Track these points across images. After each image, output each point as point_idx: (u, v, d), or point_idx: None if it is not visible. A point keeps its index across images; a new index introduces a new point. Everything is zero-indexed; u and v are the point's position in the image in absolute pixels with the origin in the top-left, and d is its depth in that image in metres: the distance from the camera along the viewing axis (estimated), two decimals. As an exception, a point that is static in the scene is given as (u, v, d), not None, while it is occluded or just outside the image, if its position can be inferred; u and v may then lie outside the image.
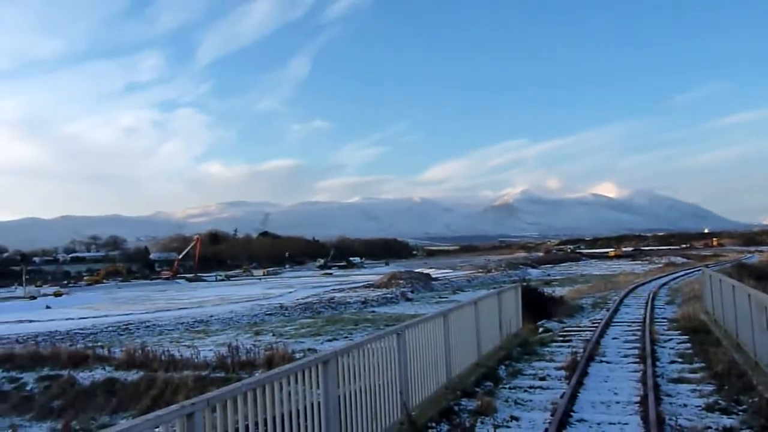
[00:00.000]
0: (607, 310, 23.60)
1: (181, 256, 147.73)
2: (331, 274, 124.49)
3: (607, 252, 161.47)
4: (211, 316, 45.19)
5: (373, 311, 46.01)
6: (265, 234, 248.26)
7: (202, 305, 58.93)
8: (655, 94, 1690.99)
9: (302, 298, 58.87)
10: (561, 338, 16.50)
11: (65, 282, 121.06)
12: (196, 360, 21.28)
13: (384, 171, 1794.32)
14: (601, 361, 12.77)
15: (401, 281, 70.24)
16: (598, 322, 19.25)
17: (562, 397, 9.40)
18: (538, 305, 26.24)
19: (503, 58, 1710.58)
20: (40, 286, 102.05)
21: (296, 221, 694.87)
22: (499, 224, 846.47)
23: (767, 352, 9.63)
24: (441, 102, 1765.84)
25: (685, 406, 8.94)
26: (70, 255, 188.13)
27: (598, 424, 8.22)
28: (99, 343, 29.80)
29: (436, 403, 8.89)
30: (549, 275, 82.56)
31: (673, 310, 23.86)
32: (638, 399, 9.35)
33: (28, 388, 20.97)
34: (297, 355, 19.71)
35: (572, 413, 8.73)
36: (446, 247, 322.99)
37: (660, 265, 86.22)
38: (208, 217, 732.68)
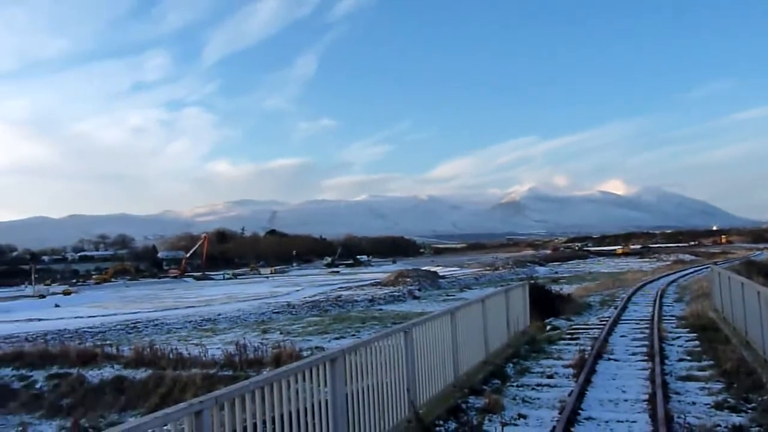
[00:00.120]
0: (615, 308, 23.52)
1: (188, 255, 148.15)
2: (338, 272, 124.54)
3: (615, 249, 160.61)
4: (219, 315, 45.31)
5: (381, 309, 46.00)
6: (272, 232, 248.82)
7: (210, 304, 59.10)
8: (663, 91, 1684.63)
9: (309, 297, 58.94)
10: (569, 336, 16.46)
11: (74, 281, 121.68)
12: (204, 358, 21.37)
13: (391, 169, 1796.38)
14: (609, 359, 12.73)
15: (408, 279, 70.18)
16: (606, 320, 19.20)
17: (570, 395, 9.38)
18: (545, 303, 26.14)
19: (510, 56, 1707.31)
20: (49, 284, 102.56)
21: (303, 219, 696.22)
22: (507, 222, 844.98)
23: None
24: (448, 100, 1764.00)
25: (694, 404, 8.90)
26: (79, 254, 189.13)
27: (607, 422, 8.19)
28: (107, 342, 29.96)
29: (444, 400, 8.89)
30: (557, 273, 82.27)
31: (681, 307, 23.75)
32: (646, 397, 9.32)
33: (37, 386, 21.12)
34: (304, 353, 19.73)
35: (580, 411, 8.71)
36: (453, 245, 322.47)
37: (668, 263, 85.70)
38: (215, 216, 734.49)
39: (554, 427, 7.84)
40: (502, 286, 24.24)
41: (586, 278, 64.80)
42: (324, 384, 5.83)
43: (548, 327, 19.58)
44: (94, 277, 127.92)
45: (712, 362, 11.71)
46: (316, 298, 56.77)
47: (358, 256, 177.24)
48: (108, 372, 21.06)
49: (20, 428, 18.02)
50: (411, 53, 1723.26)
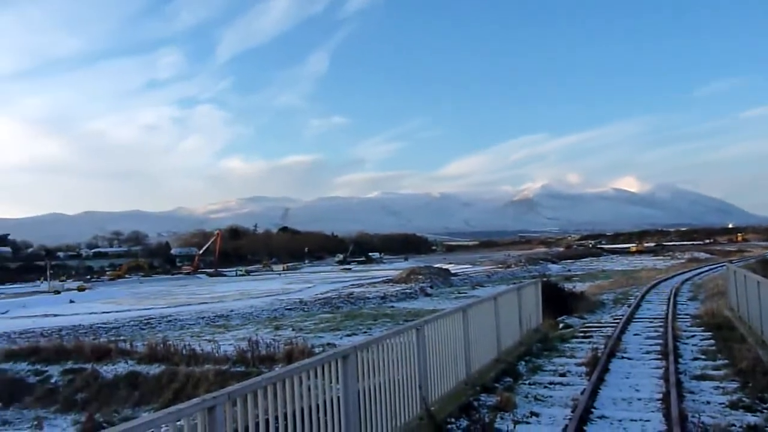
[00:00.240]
0: (629, 306, 23.39)
1: (201, 252, 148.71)
2: (350, 269, 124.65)
3: (629, 247, 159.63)
4: (232, 311, 45.50)
5: (392, 306, 46.01)
6: (284, 229, 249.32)
7: (223, 300, 59.32)
8: (677, 87, 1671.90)
9: (321, 293, 59.01)
10: (581, 334, 16.39)
11: (88, 277, 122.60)
12: (216, 354, 21.48)
13: (403, 166, 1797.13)
14: (623, 358, 12.65)
15: (420, 276, 70.14)
16: (620, 318, 19.10)
17: (582, 393, 9.33)
18: (558, 301, 26.05)
19: (523, 53, 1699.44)
20: (64, 280, 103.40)
21: (315, 216, 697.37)
22: (519, 219, 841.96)
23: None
24: (460, 97, 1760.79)
25: (708, 403, 8.83)
26: (93, 250, 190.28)
27: (620, 420, 8.14)
28: (121, 337, 30.19)
29: (456, 398, 8.87)
30: (569, 271, 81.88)
31: (696, 306, 23.59)
32: (660, 396, 9.25)
33: (52, 381, 21.31)
34: (316, 350, 19.78)
35: (593, 409, 8.66)
36: (465, 243, 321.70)
37: (683, 261, 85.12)
38: (228, 213, 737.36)
39: (567, 425, 7.81)
40: (514, 283, 24.17)
41: (599, 276, 64.43)
42: (336, 381, 5.83)
43: (561, 325, 19.52)
44: (108, 273, 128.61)
45: (727, 361, 11.61)
46: (328, 295, 56.86)
47: (370, 254, 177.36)
48: (122, 367, 21.22)
49: (36, 422, 18.20)
50: (422, 50, 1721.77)
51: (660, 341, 14.42)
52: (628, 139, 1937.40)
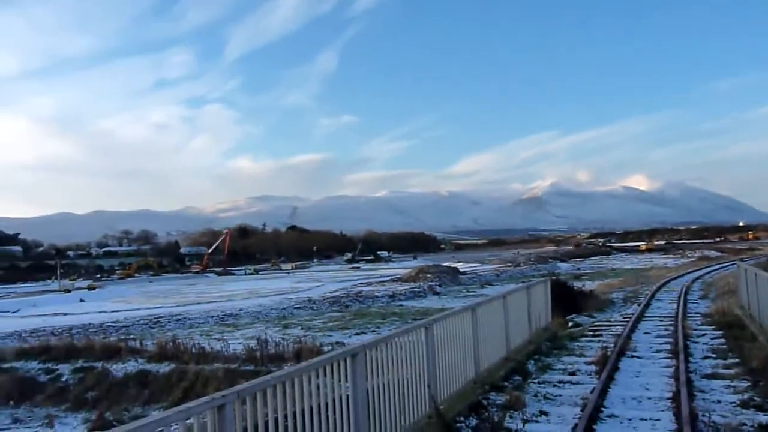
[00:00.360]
0: (639, 305, 23.29)
1: (210, 251, 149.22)
2: (358, 268, 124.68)
3: (639, 245, 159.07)
4: (241, 310, 45.65)
5: (401, 305, 46.04)
6: (293, 228, 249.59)
7: (232, 299, 59.50)
8: (687, 85, 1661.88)
9: (330, 292, 59.09)
10: (591, 333, 16.32)
11: (98, 276, 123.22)
12: (226, 353, 21.54)
13: (411, 165, 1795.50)
14: (633, 356, 12.59)
15: (429, 275, 70.09)
16: (629, 317, 19.01)
17: (592, 392, 9.29)
18: (567, 299, 25.98)
19: (531, 51, 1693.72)
20: (75, 279, 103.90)
21: (324, 215, 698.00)
22: (528, 218, 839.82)
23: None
24: (469, 95, 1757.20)
25: (719, 402, 8.78)
26: (103, 249, 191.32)
27: (630, 419, 8.11)
28: (131, 336, 30.33)
29: (465, 397, 8.86)
30: (579, 269, 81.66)
31: (706, 304, 23.46)
32: (670, 395, 9.20)
33: (63, 379, 21.44)
34: (325, 349, 19.80)
35: (603, 408, 8.63)
36: (474, 241, 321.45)
37: (693, 259, 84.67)
38: (237, 212, 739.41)
39: (576, 424, 7.78)
40: (523, 282, 24.12)
41: (608, 274, 64.19)
42: (345, 379, 5.84)
43: (570, 324, 19.46)
44: (117, 272, 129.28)
45: (737, 360, 11.54)
46: (337, 293, 56.94)
47: (379, 252, 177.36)
48: (132, 366, 21.32)
49: (47, 420, 18.33)
50: (431, 48, 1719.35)
51: (670, 340, 14.34)
52: (637, 137, 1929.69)
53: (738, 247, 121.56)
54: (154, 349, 22.53)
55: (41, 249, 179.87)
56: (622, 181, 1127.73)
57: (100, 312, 51.80)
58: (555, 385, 10.20)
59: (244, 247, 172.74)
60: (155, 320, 41.79)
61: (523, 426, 7.87)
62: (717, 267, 50.73)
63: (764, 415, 7.99)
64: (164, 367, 20.70)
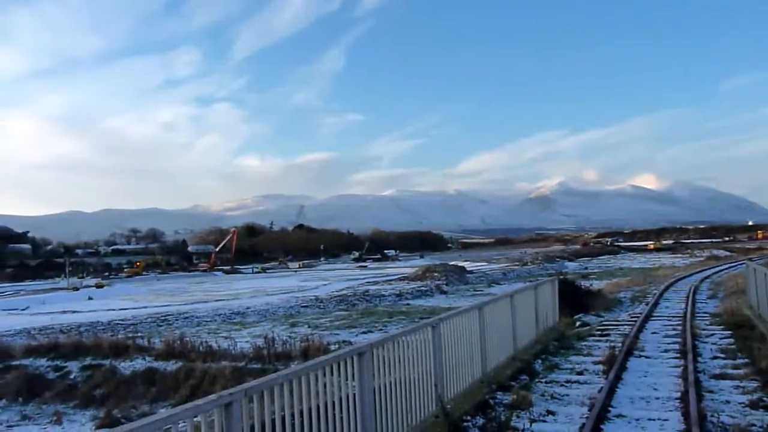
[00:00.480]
0: (647, 304, 23.18)
1: (218, 249, 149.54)
2: (365, 266, 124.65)
3: (647, 245, 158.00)
4: (248, 308, 45.70)
5: (408, 304, 45.97)
6: (300, 227, 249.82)
7: (239, 297, 59.59)
8: (696, 83, 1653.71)
9: (337, 291, 59.09)
10: (599, 332, 16.26)
11: (106, 274, 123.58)
12: (233, 351, 21.57)
13: (419, 164, 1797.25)
14: (640, 356, 12.55)
15: (436, 274, 69.97)
16: (637, 316, 18.93)
17: (599, 391, 9.27)
18: (575, 299, 25.95)
19: (538, 49, 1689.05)
20: (83, 277, 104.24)
21: (331, 214, 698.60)
22: (535, 217, 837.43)
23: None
24: (476, 94, 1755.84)
25: (728, 402, 8.73)
26: (111, 247, 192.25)
27: (637, 419, 8.08)
28: (139, 334, 30.38)
29: (472, 396, 8.85)
30: (586, 268, 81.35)
31: (715, 304, 23.34)
32: (679, 395, 9.16)
33: (71, 376, 21.52)
34: (332, 347, 19.83)
35: (610, 408, 8.61)
36: (481, 240, 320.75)
37: (701, 259, 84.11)
38: (244, 210, 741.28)
39: (584, 423, 7.76)
40: (530, 281, 24.05)
41: (616, 274, 63.92)
42: (352, 378, 5.84)
43: (578, 323, 19.38)
44: (125, 270, 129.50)
45: (747, 360, 11.48)
46: (344, 292, 56.93)
47: (386, 251, 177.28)
48: (139, 363, 21.38)
49: (55, 418, 18.41)
50: (438, 47, 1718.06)
51: (678, 340, 14.28)
52: (646, 136, 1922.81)
53: (747, 247, 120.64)
54: (161, 347, 22.57)
55: (50, 247, 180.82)
56: (630, 180, 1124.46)
57: (108, 310, 51.96)
58: (562, 385, 10.18)
59: (251, 246, 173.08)
60: (163, 318, 41.87)
61: (530, 425, 7.86)
62: (726, 266, 50.40)
63: (773, 415, 7.94)
64: (172, 365, 20.75)
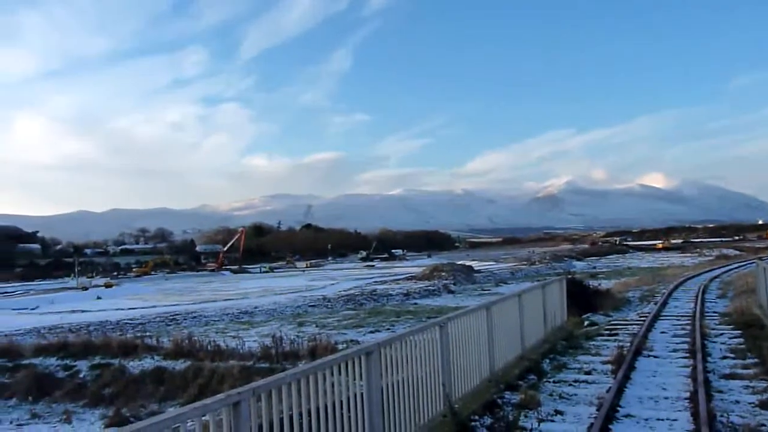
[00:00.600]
0: (655, 304, 23.09)
1: (226, 249, 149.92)
2: (373, 266, 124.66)
3: (655, 244, 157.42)
4: (256, 308, 45.79)
5: (416, 303, 45.95)
6: (308, 226, 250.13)
7: (247, 296, 59.77)
8: (705, 81, 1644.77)
9: (345, 290, 59.14)
10: (607, 332, 16.21)
11: (115, 273, 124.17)
12: (241, 350, 21.60)
13: (426, 163, 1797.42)
14: (649, 356, 12.49)
15: (444, 273, 69.91)
16: (646, 316, 18.85)
17: (608, 391, 9.23)
18: (583, 298, 25.87)
19: (545, 49, 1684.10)
20: (92, 277, 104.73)
21: (338, 213, 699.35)
22: (543, 216, 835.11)
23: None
24: (483, 94, 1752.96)
25: (738, 402, 8.68)
26: (120, 247, 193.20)
27: (646, 419, 8.03)
28: (147, 333, 30.46)
29: (479, 395, 8.84)
30: (595, 268, 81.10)
31: (724, 304, 23.20)
32: (688, 395, 9.11)
33: (81, 375, 21.62)
34: (340, 347, 19.83)
35: (619, 408, 8.57)
36: (489, 239, 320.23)
37: (711, 258, 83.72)
38: (251, 210, 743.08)
39: (592, 423, 7.73)
40: (538, 280, 23.99)
41: (624, 273, 63.68)
42: (359, 377, 5.84)
43: (586, 323, 19.33)
44: (134, 270, 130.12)
45: (756, 360, 11.40)
46: (352, 291, 56.98)
47: (393, 250, 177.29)
48: (148, 363, 21.45)
49: (64, 416, 18.51)
50: (445, 47, 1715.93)
51: (687, 339, 14.21)
52: (654, 135, 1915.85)
53: (757, 246, 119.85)
54: (170, 347, 22.63)
55: (59, 247, 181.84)
56: (639, 179, 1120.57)
57: (117, 309, 52.23)
58: (570, 385, 10.14)
59: (259, 246, 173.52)
60: (171, 318, 42.01)
61: (538, 425, 7.84)
62: (735, 266, 50.13)
63: (784, 415, 7.89)
64: (180, 364, 20.81)
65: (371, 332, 28.46)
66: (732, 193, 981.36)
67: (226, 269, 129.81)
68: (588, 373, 11.04)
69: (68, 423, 18.05)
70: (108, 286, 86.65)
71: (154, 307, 53.34)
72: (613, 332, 15.99)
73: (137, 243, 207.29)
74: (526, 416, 8.19)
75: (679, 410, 8.43)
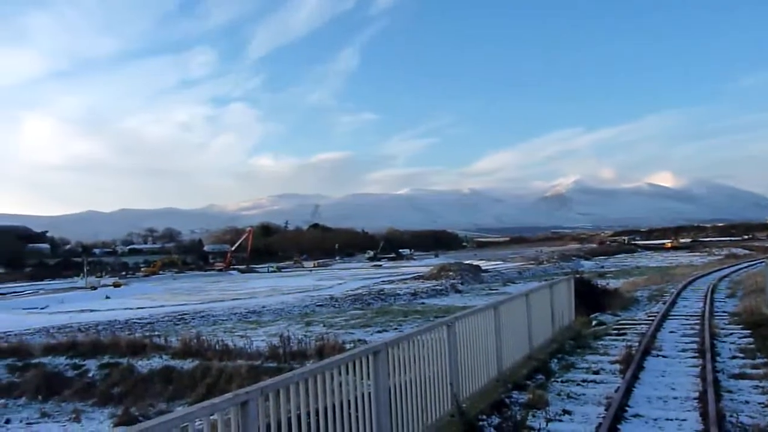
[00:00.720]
0: (664, 303, 22.99)
1: (233, 248, 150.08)
2: (380, 265, 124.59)
3: (664, 243, 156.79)
4: (263, 307, 45.88)
5: (423, 303, 45.95)
6: (315, 226, 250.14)
7: (255, 296, 59.86)
8: (714, 79, 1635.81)
9: (352, 290, 59.18)
10: (615, 331, 16.14)
11: (123, 273, 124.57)
12: (249, 350, 21.70)
13: (434, 162, 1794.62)
14: (658, 355, 12.43)
15: (451, 273, 69.84)
16: (655, 315, 18.77)
17: (616, 391, 9.20)
18: (591, 297, 25.78)
19: (554, 47, 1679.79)
20: (101, 276, 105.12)
21: (346, 213, 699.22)
22: (551, 215, 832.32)
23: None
24: (490, 92, 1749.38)
25: (747, 402, 8.63)
26: (128, 247, 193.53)
27: (655, 419, 8.00)
28: (156, 333, 30.62)
29: (487, 395, 8.82)
30: (603, 267, 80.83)
31: (734, 303, 23.08)
32: (697, 395, 9.06)
33: (90, 375, 21.76)
34: (347, 346, 19.86)
35: (627, 408, 8.53)
36: (496, 239, 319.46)
37: (720, 257, 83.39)
38: (259, 210, 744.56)
39: (600, 423, 7.70)
40: (546, 280, 23.94)
41: (633, 273, 63.47)
42: (367, 377, 5.84)
43: (594, 322, 19.26)
44: (142, 269, 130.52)
45: (766, 360, 11.34)
46: (359, 291, 57.03)
47: (400, 250, 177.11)
48: (156, 362, 21.56)
49: (74, 415, 18.62)
50: (452, 46, 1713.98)
51: (696, 339, 14.13)
52: (663, 133, 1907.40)
53: (766, 245, 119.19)
54: (178, 346, 22.75)
55: (68, 247, 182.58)
56: (647, 178, 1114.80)
57: (126, 309, 52.46)
58: (578, 384, 10.11)
59: (266, 245, 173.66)
60: (179, 317, 42.16)
61: (546, 425, 7.81)
62: (745, 265, 49.86)
63: (794, 416, 7.84)
64: (188, 364, 20.91)
65: (379, 332, 28.50)
66: (741, 192, 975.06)
67: (234, 269, 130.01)
68: (596, 372, 11.00)
69: (77, 422, 18.17)
70: (116, 285, 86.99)
71: (162, 306, 53.51)
72: (622, 332, 15.93)
73: (145, 243, 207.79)
74: (534, 416, 8.17)
75: (688, 410, 8.39)
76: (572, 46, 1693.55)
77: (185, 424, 3.62)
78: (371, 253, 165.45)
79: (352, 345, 20.33)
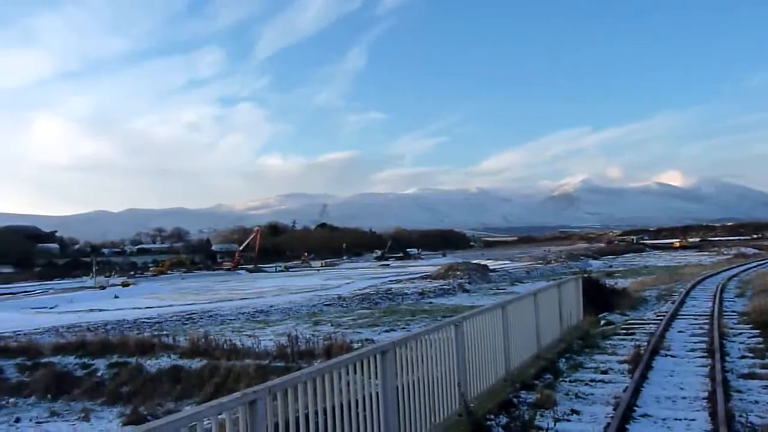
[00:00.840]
0: (673, 303, 22.89)
1: (241, 248, 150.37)
2: (388, 265, 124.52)
3: (672, 243, 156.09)
4: (271, 307, 45.93)
5: (431, 302, 45.90)
6: (323, 225, 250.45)
7: (263, 295, 59.92)
8: (723, 78, 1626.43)
9: (360, 289, 59.16)
10: (624, 331, 16.10)
11: (132, 273, 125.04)
12: (257, 349, 21.73)
13: (441, 162, 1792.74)
14: (666, 355, 12.39)
15: (458, 272, 69.68)
16: (663, 315, 18.70)
17: (624, 391, 9.17)
18: (599, 297, 25.68)
19: (561, 47, 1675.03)
20: (109, 276, 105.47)
21: (353, 213, 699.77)
22: (559, 214, 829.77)
23: None
24: (498, 92, 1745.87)
25: (757, 402, 8.59)
26: (137, 246, 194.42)
27: (664, 419, 7.97)
28: (164, 332, 30.71)
29: (495, 395, 8.81)
30: (611, 266, 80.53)
31: (743, 303, 22.95)
32: (706, 395, 9.03)
33: (98, 374, 21.85)
34: (355, 346, 19.88)
35: (636, 408, 8.51)
36: (504, 238, 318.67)
37: (729, 257, 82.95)
38: (267, 209, 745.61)
39: (608, 423, 7.68)
40: (554, 279, 23.87)
41: (641, 272, 63.20)
42: (375, 376, 5.84)
43: (602, 322, 19.20)
44: (151, 269, 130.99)
45: (776, 360, 11.28)
46: (367, 290, 56.99)
47: (408, 250, 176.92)
48: (165, 361, 21.63)
49: (83, 414, 18.72)
50: (459, 45, 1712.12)
51: (705, 339, 14.07)
52: (671, 132, 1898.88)
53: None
54: (186, 345, 22.81)
55: (77, 246, 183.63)
56: (655, 177, 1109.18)
57: (134, 308, 52.62)
58: (587, 384, 10.09)
59: (274, 245, 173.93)
60: (187, 317, 42.25)
61: (554, 425, 7.80)
62: (754, 264, 49.64)
63: (804, 416, 7.79)
64: (196, 363, 20.97)
65: (386, 331, 28.48)
66: (751, 191, 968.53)
67: (242, 268, 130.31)
68: (604, 372, 10.97)
69: (87, 421, 18.25)
70: (125, 285, 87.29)
71: (170, 306, 53.65)
72: (630, 331, 15.88)
73: (154, 242, 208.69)
74: (542, 416, 8.15)
75: (697, 410, 8.36)
76: (576, 45, 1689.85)
77: (193, 423, 3.64)
78: (379, 252, 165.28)
79: (359, 344, 20.35)
